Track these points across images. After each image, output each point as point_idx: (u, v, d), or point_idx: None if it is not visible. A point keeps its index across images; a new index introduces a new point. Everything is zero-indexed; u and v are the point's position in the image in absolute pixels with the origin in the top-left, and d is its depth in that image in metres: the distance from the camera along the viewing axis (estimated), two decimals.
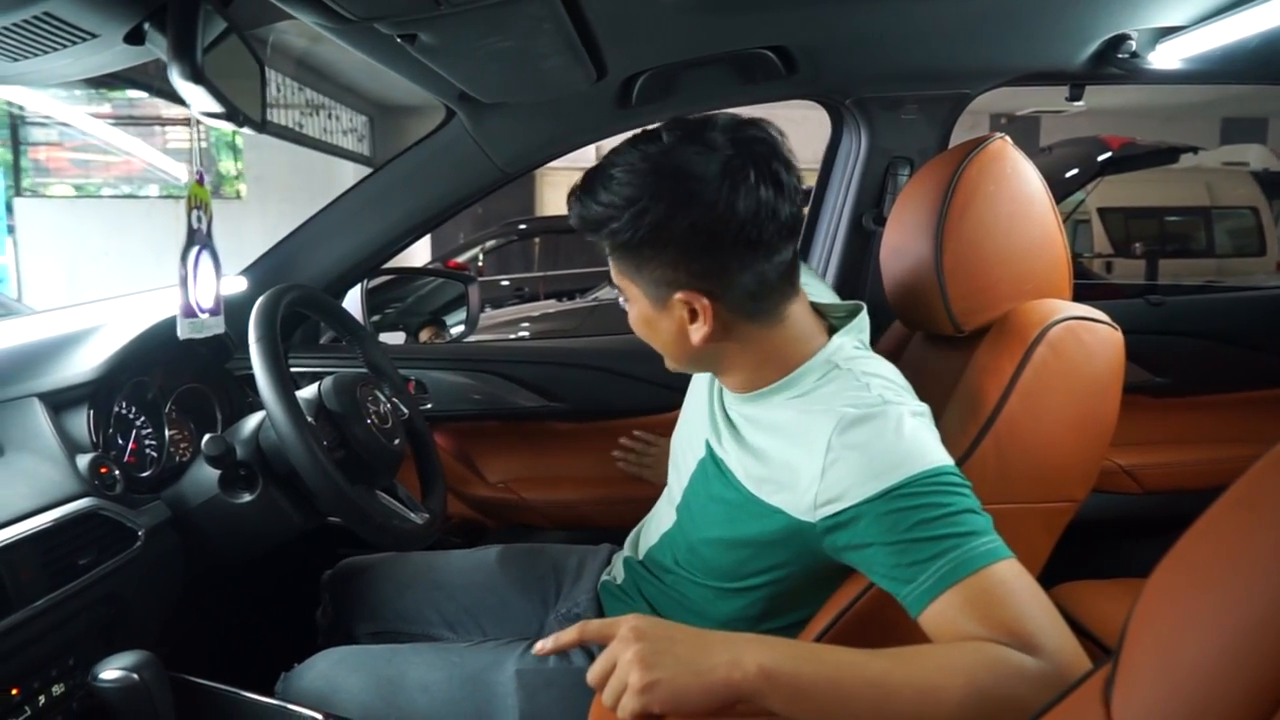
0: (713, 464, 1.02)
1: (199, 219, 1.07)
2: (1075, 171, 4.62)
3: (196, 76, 0.79)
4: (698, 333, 0.93)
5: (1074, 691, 0.56)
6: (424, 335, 2.23)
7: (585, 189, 0.93)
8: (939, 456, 0.84)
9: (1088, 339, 1.00)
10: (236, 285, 1.66)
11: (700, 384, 1.14)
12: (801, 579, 0.96)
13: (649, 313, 0.96)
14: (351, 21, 0.97)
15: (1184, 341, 1.77)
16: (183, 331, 1.16)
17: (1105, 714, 0.48)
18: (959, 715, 0.70)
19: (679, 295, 0.92)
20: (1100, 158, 4.52)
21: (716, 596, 1.02)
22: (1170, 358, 1.75)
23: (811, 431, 0.88)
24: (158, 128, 8.98)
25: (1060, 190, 4.72)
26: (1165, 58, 1.47)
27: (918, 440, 0.85)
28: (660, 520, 1.14)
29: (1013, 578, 0.77)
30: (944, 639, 0.77)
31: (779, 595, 0.98)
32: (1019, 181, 1.07)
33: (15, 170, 9.34)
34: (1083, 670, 0.70)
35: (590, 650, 1.05)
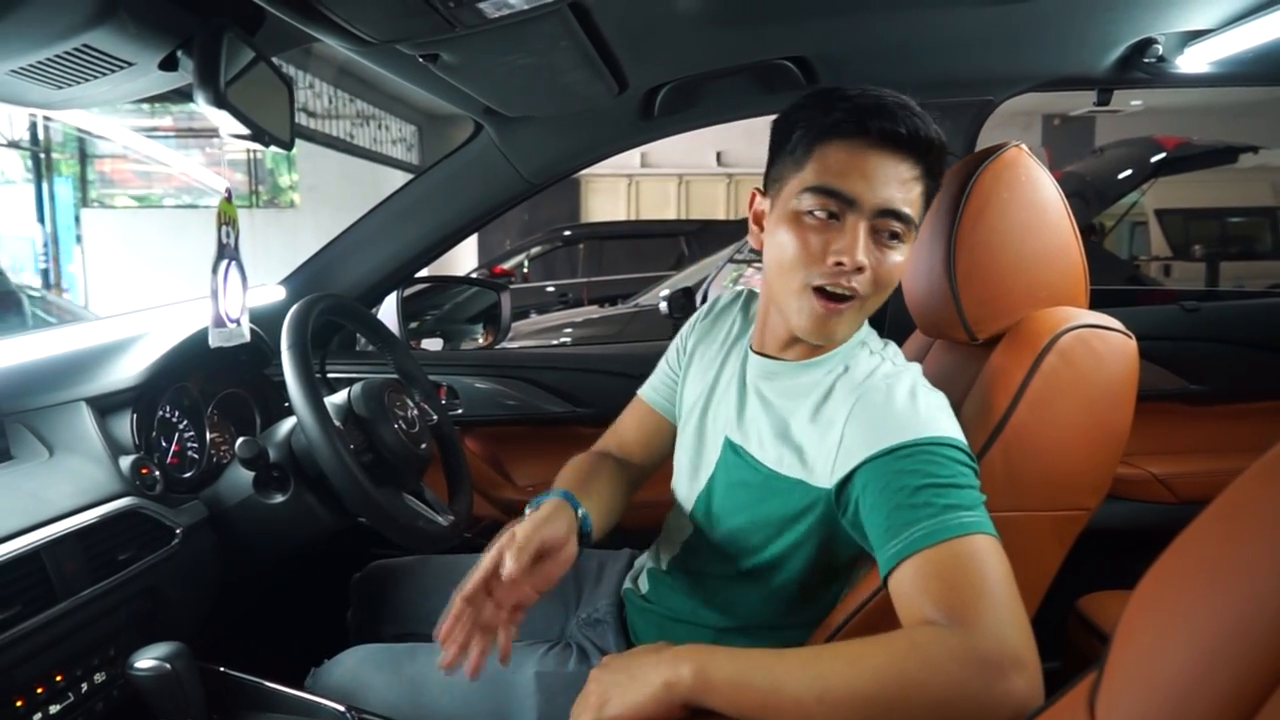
0: (733, 454, 1.04)
1: (227, 234, 1.13)
2: (1128, 173, 4.52)
3: (220, 102, 0.84)
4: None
5: (1061, 698, 0.57)
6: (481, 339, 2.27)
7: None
8: (948, 428, 0.87)
9: (1099, 347, 1.00)
10: (275, 295, 1.73)
11: (699, 391, 1.14)
12: (820, 560, 0.98)
13: (909, 254, 0.96)
14: (373, 44, 1.01)
15: (1220, 348, 1.73)
16: (214, 340, 1.22)
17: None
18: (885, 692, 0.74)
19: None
20: (1154, 159, 4.42)
21: (740, 589, 1.04)
22: (1206, 365, 1.71)
23: (837, 402, 0.94)
24: (216, 139, 9.29)
25: (1113, 192, 4.62)
26: (1193, 61, 1.45)
27: (930, 409, 0.88)
28: (677, 531, 1.15)
29: (979, 554, 0.78)
30: (899, 606, 0.80)
31: (800, 582, 1.00)
32: (1033, 189, 1.06)
33: (82, 182, 9.75)
34: (1014, 658, 0.72)
35: (607, 652, 1.07)
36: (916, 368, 0.98)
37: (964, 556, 0.78)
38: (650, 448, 1.24)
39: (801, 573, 0.99)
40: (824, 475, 0.92)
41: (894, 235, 0.92)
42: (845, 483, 0.89)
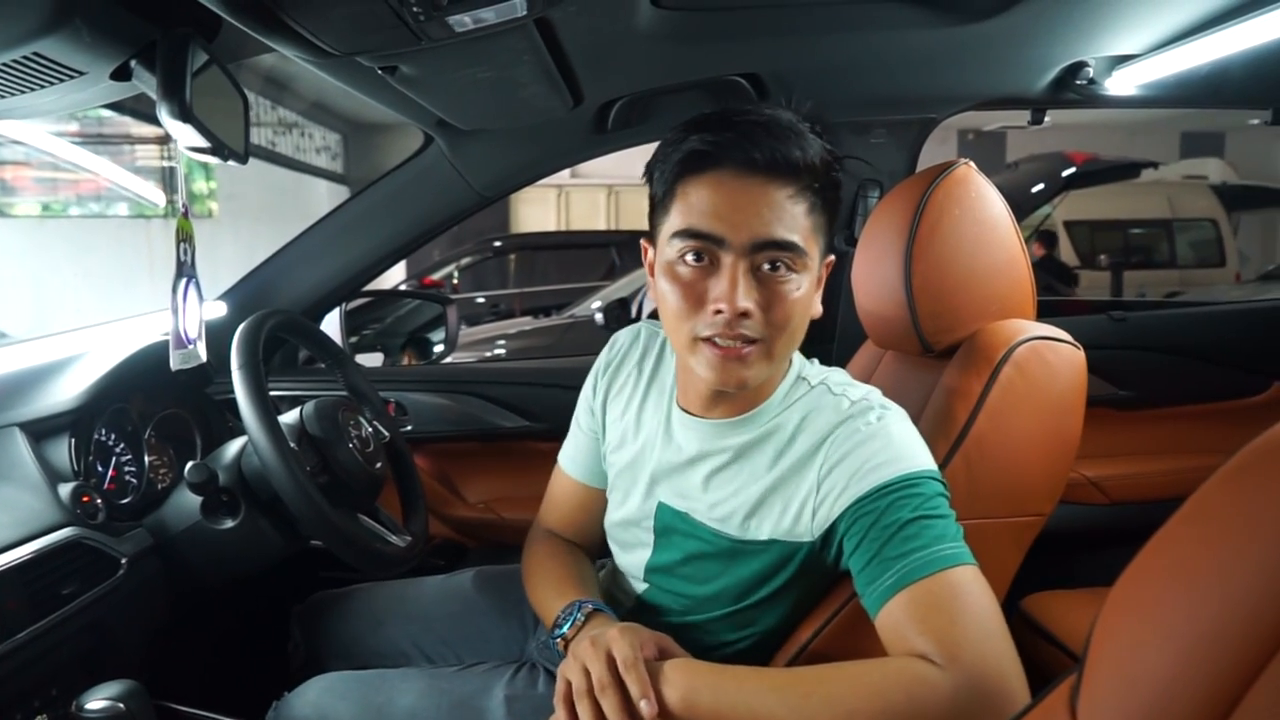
0: (680, 521, 0.99)
1: (185, 251, 1.08)
2: (1041, 186, 4.73)
3: (185, 115, 0.81)
4: (818, 303, 0.92)
5: (1042, 700, 0.58)
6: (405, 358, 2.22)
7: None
8: (924, 460, 0.87)
9: (1051, 358, 1.04)
10: (216, 310, 1.67)
11: (635, 454, 1.06)
12: (802, 600, 0.97)
13: (813, 284, 0.89)
14: (334, 56, 0.98)
15: (1146, 356, 1.82)
16: (175, 363, 1.16)
17: None
18: None
19: (828, 258, 0.92)
20: (1065, 173, 4.63)
21: (705, 633, 1.00)
22: (1133, 372, 1.80)
23: (804, 453, 0.91)
24: (126, 146, 8.88)
25: (1027, 204, 4.82)
26: (1121, 84, 1.53)
27: (904, 440, 0.88)
28: (622, 593, 1.08)
29: (964, 585, 0.79)
30: (889, 643, 0.80)
31: (780, 618, 0.98)
32: (983, 205, 1.10)
33: None
34: (1002, 689, 0.73)
35: None
36: (872, 390, 0.95)
37: (953, 588, 0.78)
38: (598, 522, 1.17)
39: (781, 617, 0.98)
40: (804, 529, 0.90)
41: (783, 266, 0.85)
42: (831, 531, 0.88)
